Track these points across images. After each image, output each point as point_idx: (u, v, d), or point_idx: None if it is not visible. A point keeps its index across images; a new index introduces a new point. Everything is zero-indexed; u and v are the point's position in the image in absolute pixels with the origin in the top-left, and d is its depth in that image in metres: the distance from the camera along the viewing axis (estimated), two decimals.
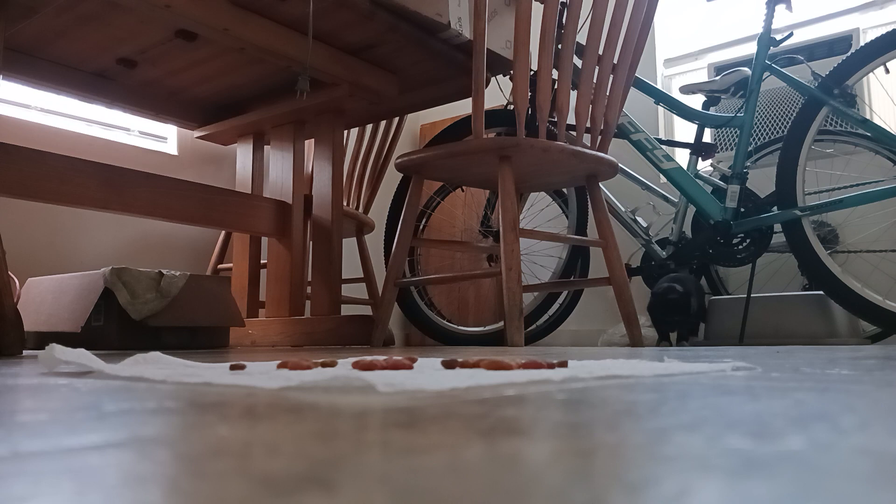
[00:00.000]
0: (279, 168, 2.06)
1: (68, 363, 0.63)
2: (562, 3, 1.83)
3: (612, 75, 1.71)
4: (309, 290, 2.11)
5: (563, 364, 0.62)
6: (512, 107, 1.92)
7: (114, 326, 1.45)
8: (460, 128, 2.10)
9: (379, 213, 3.02)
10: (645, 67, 2.72)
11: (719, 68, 2.46)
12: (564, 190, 2.20)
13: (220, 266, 2.27)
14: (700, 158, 2.07)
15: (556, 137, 1.66)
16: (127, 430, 0.26)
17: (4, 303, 1.12)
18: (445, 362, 0.61)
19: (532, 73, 1.87)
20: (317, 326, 1.84)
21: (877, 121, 2.22)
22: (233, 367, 0.60)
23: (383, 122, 2.53)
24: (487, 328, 2.18)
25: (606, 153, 1.72)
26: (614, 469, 0.18)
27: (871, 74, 2.08)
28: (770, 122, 2.40)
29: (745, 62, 2.39)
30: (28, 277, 1.73)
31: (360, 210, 2.53)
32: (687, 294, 1.88)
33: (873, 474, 0.17)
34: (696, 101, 2.58)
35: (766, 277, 2.31)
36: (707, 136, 2.24)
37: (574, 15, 1.58)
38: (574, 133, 1.72)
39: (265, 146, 2.28)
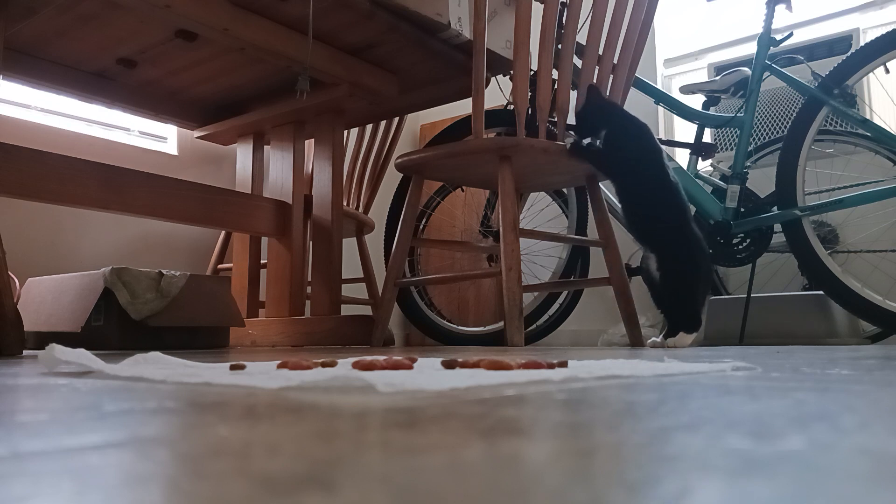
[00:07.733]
0: (279, 168, 2.06)
1: (68, 363, 0.63)
2: (562, 3, 1.83)
3: (612, 75, 1.71)
4: (309, 290, 2.11)
5: (563, 364, 0.62)
6: (512, 107, 1.91)
7: (114, 326, 1.45)
8: (460, 128, 2.10)
9: (379, 213, 3.02)
10: (645, 67, 2.72)
11: (719, 68, 2.45)
12: (564, 190, 2.20)
13: (220, 266, 2.27)
14: (700, 158, 2.06)
15: (557, 137, 1.66)
16: (127, 430, 0.26)
17: (4, 303, 1.12)
18: (445, 362, 0.61)
19: (532, 73, 1.87)
20: (317, 326, 1.84)
21: (877, 121, 2.22)
22: (233, 367, 0.60)
23: (383, 122, 2.53)
24: (487, 328, 2.18)
25: None
26: (614, 469, 0.18)
27: (871, 74, 2.08)
28: (770, 122, 2.40)
29: (745, 62, 2.39)
30: (28, 277, 1.73)
31: (360, 210, 2.53)
32: None
33: (873, 474, 0.17)
34: (696, 101, 2.58)
35: (766, 277, 2.31)
36: (707, 136, 2.24)
37: (574, 15, 1.58)
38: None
39: (265, 146, 2.28)
